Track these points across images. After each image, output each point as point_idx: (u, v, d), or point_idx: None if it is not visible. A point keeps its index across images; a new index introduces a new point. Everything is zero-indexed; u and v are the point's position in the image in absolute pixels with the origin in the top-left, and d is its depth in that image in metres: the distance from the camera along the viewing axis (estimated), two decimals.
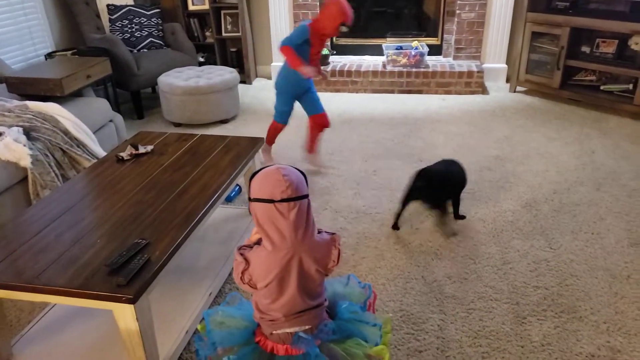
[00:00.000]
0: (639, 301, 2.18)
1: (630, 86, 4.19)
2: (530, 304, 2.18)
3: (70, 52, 4.40)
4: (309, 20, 3.03)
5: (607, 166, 3.38)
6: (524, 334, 2.03)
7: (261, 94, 5.13)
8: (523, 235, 2.66)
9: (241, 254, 1.44)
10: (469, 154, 3.61)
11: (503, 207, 2.92)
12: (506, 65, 5.14)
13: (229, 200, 3.04)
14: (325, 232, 1.49)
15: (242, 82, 5.30)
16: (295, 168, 1.44)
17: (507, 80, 5.14)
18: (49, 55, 4.36)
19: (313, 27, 2.97)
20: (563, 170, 3.35)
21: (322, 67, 5.05)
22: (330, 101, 4.81)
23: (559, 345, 1.97)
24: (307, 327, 1.44)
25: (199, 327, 1.60)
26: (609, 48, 4.27)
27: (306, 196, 1.39)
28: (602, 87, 4.37)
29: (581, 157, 3.53)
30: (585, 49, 4.41)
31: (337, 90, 5.07)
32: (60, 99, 3.31)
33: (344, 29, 2.99)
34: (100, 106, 3.53)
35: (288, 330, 1.44)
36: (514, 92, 4.89)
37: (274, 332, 1.45)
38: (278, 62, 5.47)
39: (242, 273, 1.43)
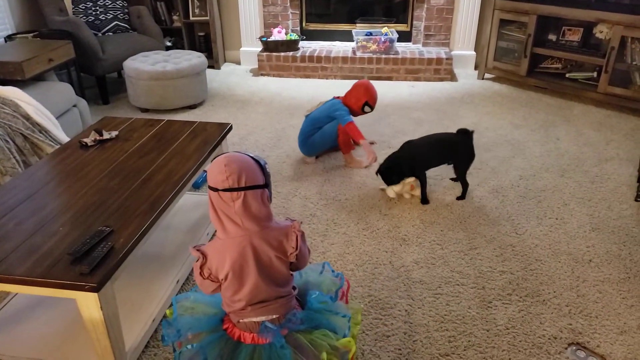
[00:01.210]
0: (599, 284, 2.24)
1: (595, 74, 4.29)
2: (496, 289, 2.22)
3: (31, 34, 4.26)
4: (335, 99, 3.27)
5: (571, 153, 3.45)
6: (489, 317, 2.07)
7: (230, 79, 5.06)
8: (490, 221, 2.70)
9: (197, 250, 1.42)
10: None
11: (470, 193, 2.95)
12: (475, 53, 5.19)
13: (196, 186, 3.00)
14: (290, 219, 1.48)
15: (210, 67, 5.22)
16: (251, 156, 1.41)
17: (476, 68, 5.19)
18: (8, 38, 4.21)
19: (343, 103, 3.21)
20: (529, 156, 3.41)
21: (291, 52, 5.01)
22: (300, 87, 4.78)
23: (523, 328, 2.01)
24: (274, 316, 1.44)
25: (167, 312, 1.58)
26: (574, 36, 4.34)
27: (258, 186, 1.37)
28: (567, 75, 4.46)
29: (546, 144, 3.59)
30: (552, 36, 4.48)
31: (307, 76, 5.05)
32: (20, 83, 3.20)
33: (367, 109, 3.18)
34: (63, 91, 3.43)
35: (254, 319, 1.43)
36: (482, 79, 4.94)
37: (241, 320, 1.44)
38: (247, 47, 5.41)
39: (201, 268, 1.41)
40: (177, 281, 2.15)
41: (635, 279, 2.27)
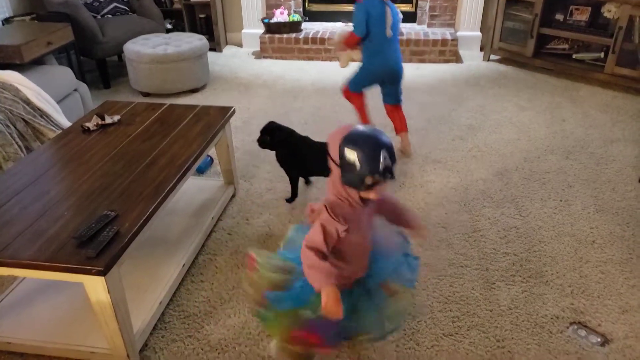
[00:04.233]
0: (602, 265, 2.25)
1: (602, 54, 4.23)
2: (499, 270, 2.23)
3: (29, 17, 4.23)
4: None
5: (577, 134, 3.43)
6: (492, 298, 2.08)
7: (232, 62, 5.03)
8: (494, 203, 2.70)
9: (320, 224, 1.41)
10: (442, 123, 3.62)
11: (475, 175, 2.95)
12: (480, 34, 5.12)
13: (200, 171, 3.00)
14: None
15: (212, 49, 5.18)
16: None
17: (481, 49, 5.14)
18: (6, 21, 4.18)
19: None
20: (534, 138, 3.39)
21: (294, 34, 4.96)
22: (303, 69, 4.75)
23: (526, 308, 2.02)
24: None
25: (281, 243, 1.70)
26: (582, 16, 4.28)
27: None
28: (574, 56, 4.41)
29: (552, 125, 3.57)
30: (559, 16, 4.41)
31: (310, 58, 5.01)
32: (20, 67, 3.19)
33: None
34: (64, 75, 3.41)
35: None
36: (488, 60, 4.90)
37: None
38: (249, 29, 5.36)
39: (326, 239, 1.41)
40: (183, 265, 2.17)
41: (637, 260, 2.27)
